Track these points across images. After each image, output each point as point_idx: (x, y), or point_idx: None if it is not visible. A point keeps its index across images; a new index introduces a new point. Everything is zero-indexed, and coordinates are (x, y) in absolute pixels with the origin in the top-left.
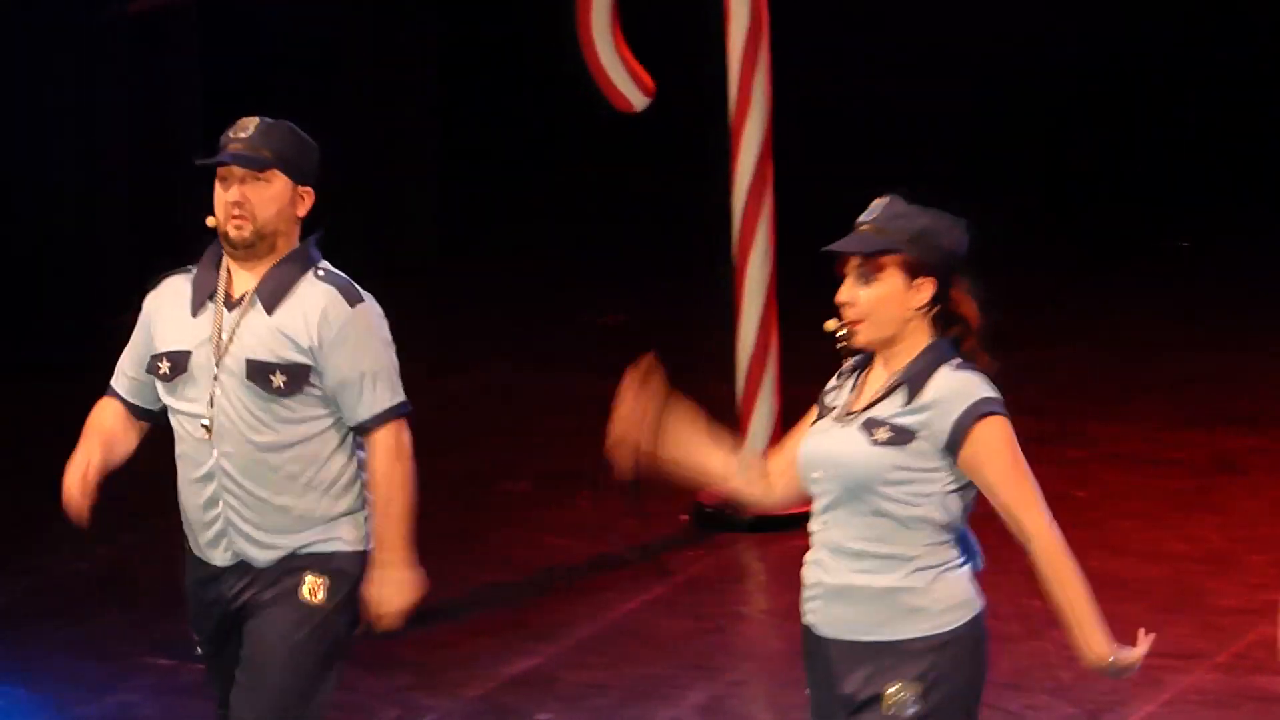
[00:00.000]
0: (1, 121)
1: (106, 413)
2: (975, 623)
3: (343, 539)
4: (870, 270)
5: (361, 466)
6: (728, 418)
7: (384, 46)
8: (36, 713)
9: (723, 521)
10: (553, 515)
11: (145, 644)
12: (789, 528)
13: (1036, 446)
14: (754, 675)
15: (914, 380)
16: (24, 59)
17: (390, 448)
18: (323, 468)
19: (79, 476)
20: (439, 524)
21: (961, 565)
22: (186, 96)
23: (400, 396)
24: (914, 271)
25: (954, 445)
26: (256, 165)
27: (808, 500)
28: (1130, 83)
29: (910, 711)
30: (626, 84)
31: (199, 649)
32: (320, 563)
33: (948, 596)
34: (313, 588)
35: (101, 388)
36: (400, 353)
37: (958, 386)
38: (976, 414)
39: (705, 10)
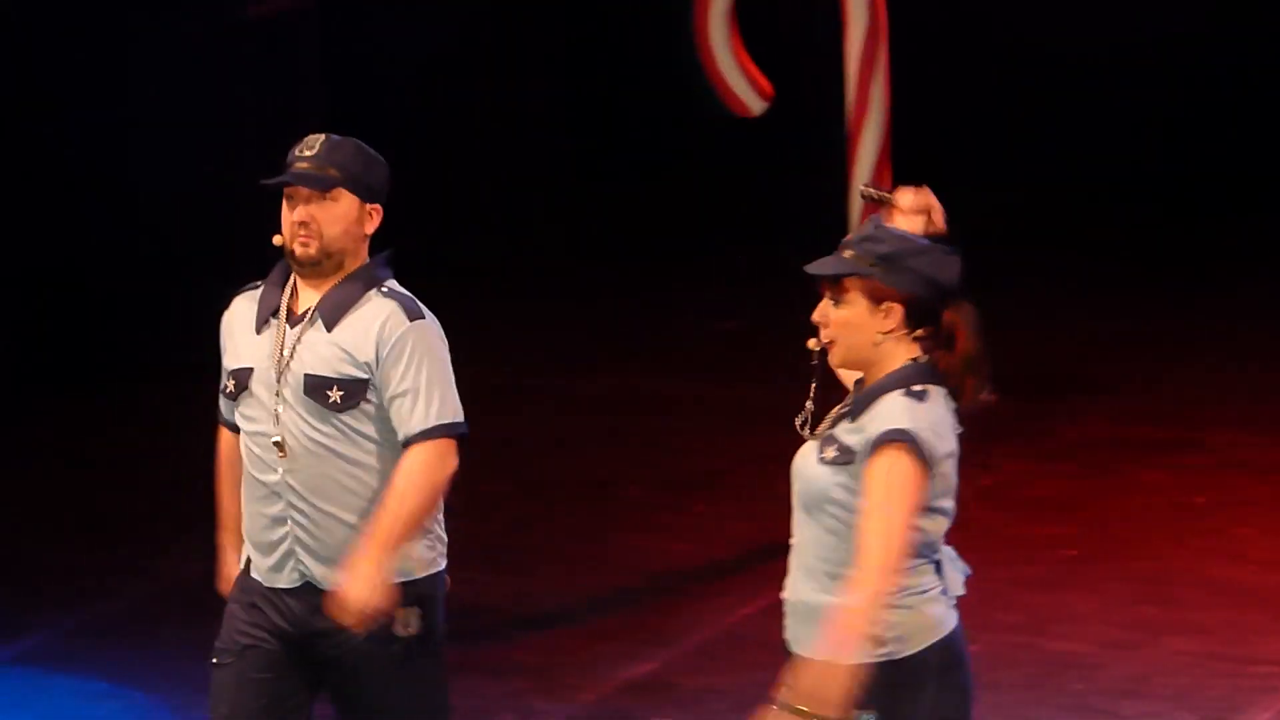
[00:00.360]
0: (123, 127)
1: (226, 447)
2: (934, 651)
3: (416, 561)
4: (838, 292)
5: None
6: None
7: (509, 50)
8: (153, 717)
9: None
10: (670, 520)
11: None
12: None
13: (1156, 454)
14: None
15: (863, 401)
16: (146, 65)
17: (425, 460)
18: (389, 486)
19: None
20: (557, 528)
21: (922, 592)
22: (309, 100)
23: (452, 416)
24: (879, 296)
25: (866, 463)
26: (322, 185)
27: None
28: (1262, 88)
29: None
30: (744, 88)
31: (216, 659)
32: (402, 594)
33: (900, 623)
34: (405, 621)
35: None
36: (521, 356)
37: (887, 412)
38: (883, 440)
39: (824, 14)
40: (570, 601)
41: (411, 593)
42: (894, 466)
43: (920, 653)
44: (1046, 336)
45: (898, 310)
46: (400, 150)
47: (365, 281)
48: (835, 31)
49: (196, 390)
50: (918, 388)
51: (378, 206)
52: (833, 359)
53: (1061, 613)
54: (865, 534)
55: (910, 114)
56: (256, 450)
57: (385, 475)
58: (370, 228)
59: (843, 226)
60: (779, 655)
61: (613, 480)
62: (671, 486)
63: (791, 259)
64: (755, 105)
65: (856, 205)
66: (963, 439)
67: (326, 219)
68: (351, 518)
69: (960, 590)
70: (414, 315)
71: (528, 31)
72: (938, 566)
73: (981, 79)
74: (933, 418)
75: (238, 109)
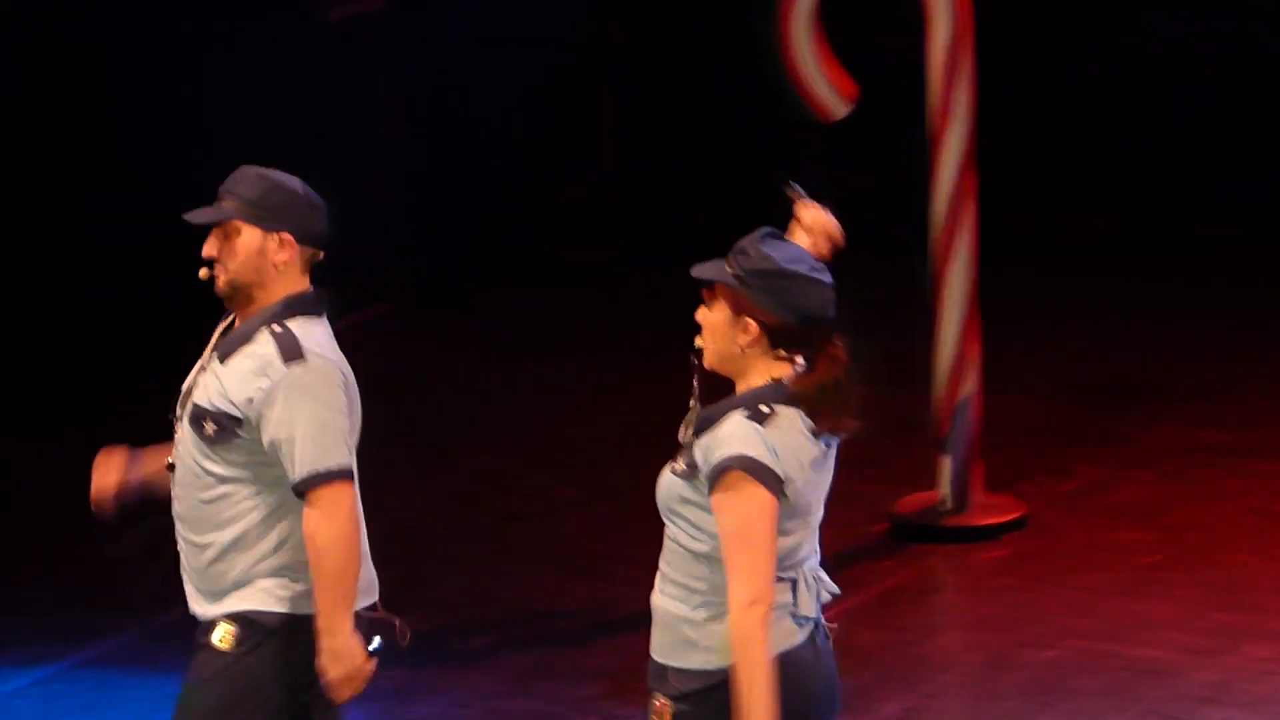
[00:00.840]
0: (199, 133)
1: None
2: None
3: (260, 596)
4: (711, 297)
5: (294, 530)
6: (926, 426)
7: (593, 53)
8: None
9: (919, 532)
10: None
11: None
12: (986, 539)
13: (1236, 461)
14: (949, 687)
15: (711, 417)
16: (227, 68)
17: (317, 511)
18: (250, 526)
19: None
20: (633, 532)
21: None
22: (389, 102)
23: (334, 460)
24: (739, 309)
25: (711, 491)
26: (214, 219)
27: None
28: None
29: None
30: (827, 91)
31: None
32: (235, 616)
33: (721, 637)
34: (223, 635)
35: None
36: (599, 360)
37: (726, 434)
38: (724, 466)
39: (908, 16)
40: (647, 606)
41: (240, 617)
42: (735, 492)
43: (724, 671)
44: (1125, 343)
45: (754, 326)
46: (479, 156)
47: (264, 319)
48: (918, 34)
49: None
50: (764, 408)
51: (288, 236)
52: (705, 361)
53: (1141, 619)
54: (729, 566)
55: (993, 120)
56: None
57: (256, 518)
58: (280, 257)
59: (922, 231)
60: (855, 661)
61: None
62: None
63: (869, 263)
64: (839, 108)
65: (940, 210)
66: (1034, 446)
67: (228, 252)
68: (213, 553)
69: (810, 612)
70: (290, 357)
71: (611, 33)
72: (793, 586)
73: (1058, 85)
74: (774, 439)
75: (316, 113)
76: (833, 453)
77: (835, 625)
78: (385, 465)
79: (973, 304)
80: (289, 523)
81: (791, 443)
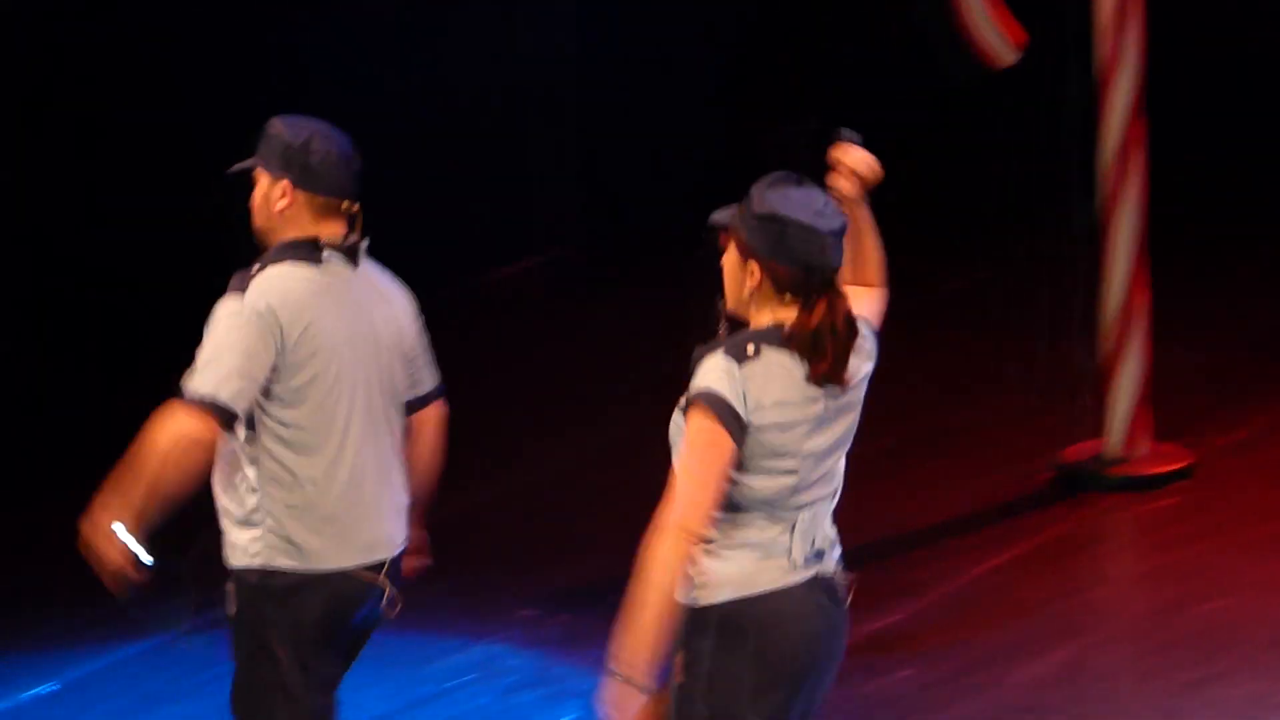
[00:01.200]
0: (357, 97)
1: None
2: (730, 607)
3: (240, 550)
4: (726, 240)
5: (260, 474)
6: (1093, 374)
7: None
8: (403, 659)
9: (1086, 481)
10: (915, 473)
11: (513, 595)
12: (1154, 488)
13: None
14: (1117, 637)
15: (699, 355)
16: (396, 33)
17: (163, 415)
18: (235, 465)
19: None
20: None
21: (738, 548)
22: (563, 63)
23: (203, 389)
24: (745, 253)
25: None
26: (240, 170)
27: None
28: None
29: (675, 682)
30: (995, 37)
31: None
32: (230, 572)
33: (708, 572)
34: (224, 598)
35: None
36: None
37: (703, 371)
38: (690, 399)
39: None
40: None
41: (231, 575)
42: (695, 426)
43: (711, 606)
44: None
45: (758, 270)
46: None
47: (257, 263)
48: None
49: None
50: (749, 348)
51: (287, 182)
52: (726, 305)
53: None
54: (672, 489)
55: (1163, 68)
56: None
57: (233, 456)
58: (281, 204)
59: (1089, 184)
60: (1022, 610)
61: (861, 435)
62: (917, 440)
63: (1023, 213)
64: (1007, 55)
65: (1108, 159)
66: (1204, 396)
67: (253, 201)
68: (216, 491)
69: (802, 556)
70: (230, 291)
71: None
72: (756, 525)
73: (1232, 37)
74: (750, 379)
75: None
76: (843, 403)
77: (853, 576)
78: (554, 413)
79: (1141, 252)
80: (261, 474)
81: (771, 385)
